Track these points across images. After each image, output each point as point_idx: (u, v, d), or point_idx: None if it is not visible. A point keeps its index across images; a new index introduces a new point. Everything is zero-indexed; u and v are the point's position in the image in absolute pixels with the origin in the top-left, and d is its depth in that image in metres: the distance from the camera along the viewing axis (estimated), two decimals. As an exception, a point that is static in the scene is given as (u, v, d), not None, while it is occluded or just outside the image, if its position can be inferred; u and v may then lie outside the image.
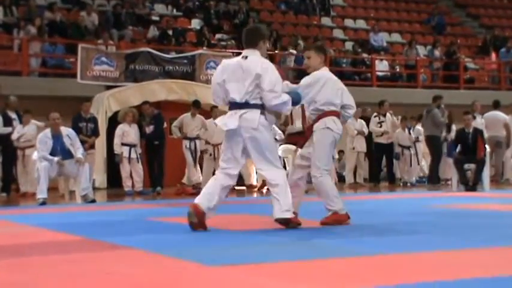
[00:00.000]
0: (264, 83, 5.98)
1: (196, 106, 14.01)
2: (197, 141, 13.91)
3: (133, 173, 13.52)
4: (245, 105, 6.06)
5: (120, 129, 13.48)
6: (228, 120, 6.11)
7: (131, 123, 13.52)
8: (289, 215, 6.09)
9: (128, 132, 13.44)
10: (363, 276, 3.87)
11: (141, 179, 13.59)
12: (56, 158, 10.60)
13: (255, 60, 6.10)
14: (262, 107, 6.08)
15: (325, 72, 6.70)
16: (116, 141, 13.42)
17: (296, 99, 6.37)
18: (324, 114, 6.56)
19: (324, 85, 6.56)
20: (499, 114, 15.89)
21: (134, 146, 13.53)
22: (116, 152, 13.47)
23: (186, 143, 13.93)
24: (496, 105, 16.19)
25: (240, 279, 3.84)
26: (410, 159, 15.67)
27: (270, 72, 6.04)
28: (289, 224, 6.11)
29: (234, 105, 6.11)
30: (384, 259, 4.45)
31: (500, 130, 15.56)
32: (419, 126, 15.72)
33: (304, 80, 6.67)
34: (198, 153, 14.16)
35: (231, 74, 6.11)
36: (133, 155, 13.48)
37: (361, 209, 8.13)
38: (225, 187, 6.15)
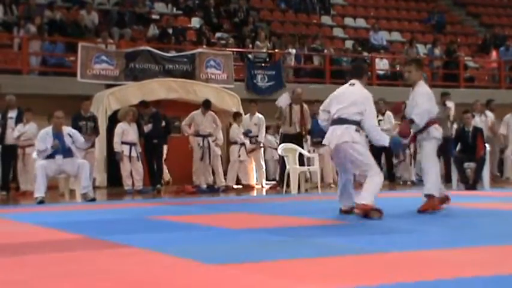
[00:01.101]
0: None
1: (206, 106, 13.97)
2: (210, 139, 13.86)
3: (133, 171, 13.52)
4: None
5: (119, 127, 13.48)
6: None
7: (131, 122, 13.52)
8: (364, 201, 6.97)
9: (128, 131, 13.44)
10: (362, 274, 3.87)
11: (141, 178, 13.58)
12: (49, 145, 10.57)
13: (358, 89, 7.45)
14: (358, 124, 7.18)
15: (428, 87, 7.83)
16: (116, 139, 13.42)
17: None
18: (428, 123, 7.61)
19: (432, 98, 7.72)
20: (487, 113, 16.06)
21: (134, 144, 13.53)
22: (116, 151, 13.47)
23: (198, 140, 13.88)
24: (487, 104, 16.34)
25: (240, 278, 3.84)
26: (410, 158, 15.74)
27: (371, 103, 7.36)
28: (366, 211, 6.91)
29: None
30: (383, 257, 4.45)
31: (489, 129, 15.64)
32: None
33: (422, 96, 7.62)
34: (212, 151, 13.92)
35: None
36: (133, 154, 13.48)
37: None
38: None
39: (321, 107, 7.62)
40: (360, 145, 7.18)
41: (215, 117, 14.06)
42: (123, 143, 13.42)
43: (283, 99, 13.22)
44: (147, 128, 13.57)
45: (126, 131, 13.43)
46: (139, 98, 14.62)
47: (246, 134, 14.83)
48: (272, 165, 16.54)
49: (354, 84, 7.45)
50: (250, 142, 14.98)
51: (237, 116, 15.09)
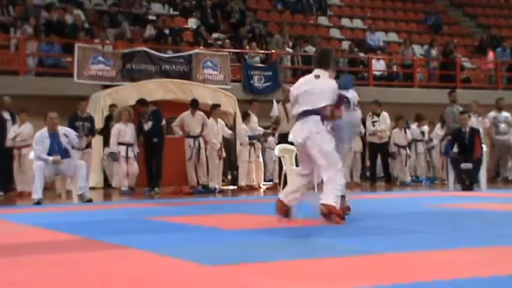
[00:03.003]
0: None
1: (194, 105, 13.97)
2: (200, 139, 13.84)
3: (129, 171, 13.45)
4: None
5: (116, 128, 13.46)
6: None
7: (127, 123, 13.49)
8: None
9: (125, 132, 13.41)
10: (360, 275, 3.87)
11: (135, 177, 13.53)
12: (51, 158, 10.58)
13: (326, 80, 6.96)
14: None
15: None
16: (113, 140, 13.40)
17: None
18: None
19: None
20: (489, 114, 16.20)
21: (131, 145, 13.50)
22: (112, 151, 13.44)
23: (189, 141, 13.87)
24: (496, 104, 16.46)
25: (238, 279, 3.84)
26: (406, 158, 15.89)
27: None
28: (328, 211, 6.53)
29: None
30: (380, 258, 4.45)
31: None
32: (414, 126, 16.23)
33: None
34: (202, 151, 13.92)
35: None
36: (130, 155, 13.44)
37: (357, 209, 8.12)
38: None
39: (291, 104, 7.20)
40: (327, 136, 6.73)
41: (204, 117, 14.02)
42: (119, 143, 13.40)
43: (275, 108, 13.29)
44: (147, 125, 13.52)
45: (122, 132, 13.40)
46: (136, 98, 14.61)
47: (252, 138, 14.78)
48: (271, 165, 16.55)
49: (319, 77, 6.90)
50: (265, 139, 15.07)
51: (246, 115, 15.07)
